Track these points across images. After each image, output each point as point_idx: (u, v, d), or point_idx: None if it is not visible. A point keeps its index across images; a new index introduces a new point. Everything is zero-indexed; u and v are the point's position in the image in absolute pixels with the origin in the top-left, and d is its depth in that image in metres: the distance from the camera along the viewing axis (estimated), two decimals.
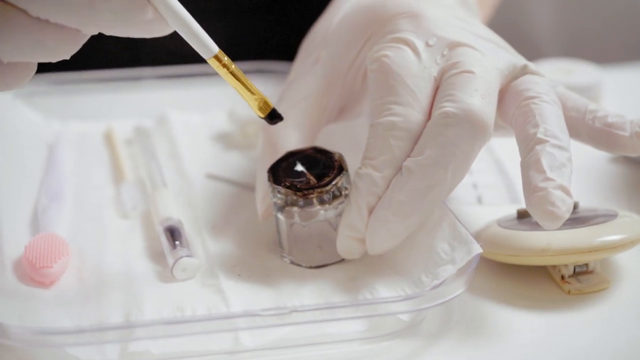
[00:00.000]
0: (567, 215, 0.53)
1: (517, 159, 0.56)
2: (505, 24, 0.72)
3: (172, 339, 0.52)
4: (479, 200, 0.68)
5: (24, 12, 0.49)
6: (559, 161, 0.54)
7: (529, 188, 0.53)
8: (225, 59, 0.55)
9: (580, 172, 0.67)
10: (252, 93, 0.56)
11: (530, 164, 0.54)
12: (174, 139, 0.74)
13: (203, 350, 0.52)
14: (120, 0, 0.49)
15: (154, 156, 0.72)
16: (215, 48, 0.54)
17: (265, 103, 0.56)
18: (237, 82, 0.56)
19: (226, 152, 0.74)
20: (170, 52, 0.88)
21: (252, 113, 0.76)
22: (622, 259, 0.60)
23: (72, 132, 0.76)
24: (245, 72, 0.80)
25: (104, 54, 0.83)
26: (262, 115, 0.57)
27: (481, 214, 0.64)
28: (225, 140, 0.75)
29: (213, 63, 0.55)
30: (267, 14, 0.94)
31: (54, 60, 0.51)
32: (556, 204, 0.52)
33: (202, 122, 0.77)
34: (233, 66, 0.55)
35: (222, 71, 0.55)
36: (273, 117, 0.57)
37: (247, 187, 0.68)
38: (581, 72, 0.81)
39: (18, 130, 0.73)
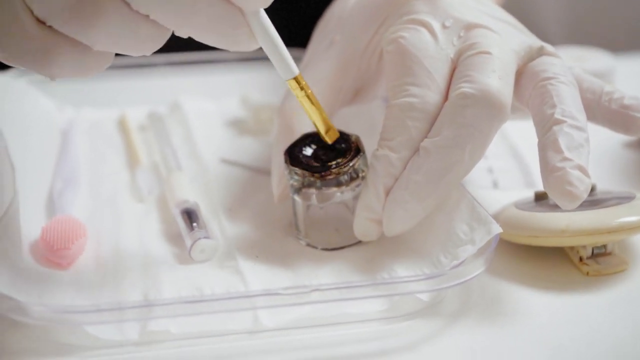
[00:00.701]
0: (585, 195, 0.52)
1: (532, 143, 0.56)
2: (514, 11, 0.71)
3: (192, 318, 0.52)
4: (495, 185, 0.68)
5: (127, 4, 0.49)
6: (577, 141, 0.54)
7: (547, 168, 0.53)
8: (304, 82, 0.56)
9: (596, 156, 0.66)
10: (322, 118, 0.57)
11: (547, 144, 0.54)
12: (188, 125, 0.74)
13: (222, 330, 0.52)
14: (221, 9, 0.50)
15: (168, 141, 0.72)
16: (296, 70, 0.55)
17: (333, 130, 0.58)
18: (311, 105, 0.57)
19: (239, 137, 0.74)
20: (180, 39, 0.88)
21: (265, 99, 0.77)
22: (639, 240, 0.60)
23: (85, 118, 0.76)
24: (257, 58, 0.81)
25: None
26: (329, 141, 0.58)
27: (497, 198, 0.64)
28: (238, 126, 0.75)
29: (292, 84, 0.56)
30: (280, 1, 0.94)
31: (135, 54, 0.51)
32: (574, 184, 0.52)
33: (215, 109, 0.77)
34: (309, 90, 0.56)
35: (299, 93, 0.56)
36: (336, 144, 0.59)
37: (262, 172, 0.68)
38: (593, 58, 0.81)
39: (32, 116, 0.73)
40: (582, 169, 0.53)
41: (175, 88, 0.79)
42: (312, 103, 0.57)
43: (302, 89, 0.56)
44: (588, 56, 0.81)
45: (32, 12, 0.49)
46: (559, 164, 0.53)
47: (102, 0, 0.49)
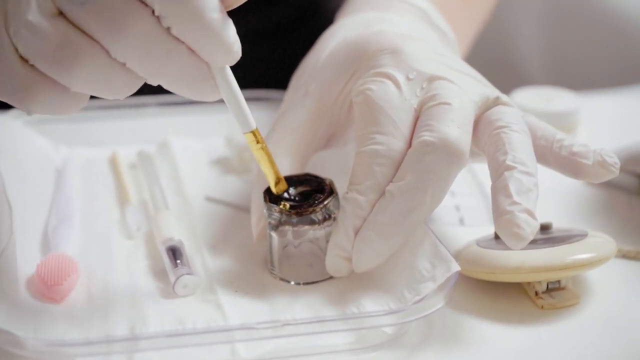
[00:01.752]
0: (531, 237, 0.57)
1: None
2: (492, 50, 0.76)
3: (174, 350, 0.56)
4: (461, 222, 0.72)
5: (106, 51, 0.53)
6: (526, 186, 0.58)
7: (497, 211, 0.58)
8: (259, 136, 0.61)
9: (553, 195, 0.71)
10: (273, 170, 0.62)
11: (499, 189, 0.58)
12: (175, 164, 0.78)
13: None
14: (191, 63, 0.55)
15: (157, 180, 0.76)
16: (253, 124, 0.60)
17: (282, 182, 0.63)
18: (264, 157, 0.61)
19: (224, 175, 0.78)
20: None
21: None
22: (592, 275, 0.64)
23: (78, 157, 0.80)
24: (252, 98, 0.85)
25: None
26: (275, 191, 0.63)
27: (463, 235, 0.69)
28: (223, 164, 0.80)
29: (249, 137, 0.61)
30: (262, 44, 0.99)
31: (110, 97, 0.56)
32: (521, 226, 0.57)
33: (202, 148, 0.82)
34: (264, 144, 0.61)
35: (254, 146, 0.61)
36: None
37: (244, 209, 0.72)
38: (560, 99, 0.86)
39: (28, 155, 0.77)
40: (529, 212, 0.57)
41: (164, 128, 0.83)
42: (266, 155, 0.62)
43: (257, 142, 0.61)
44: (555, 97, 0.86)
45: (16, 51, 0.54)
46: (508, 207, 0.57)
47: (82, 46, 0.53)
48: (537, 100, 0.85)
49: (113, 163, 0.80)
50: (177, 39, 0.54)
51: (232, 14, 1.04)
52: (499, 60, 0.66)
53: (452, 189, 0.74)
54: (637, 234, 0.69)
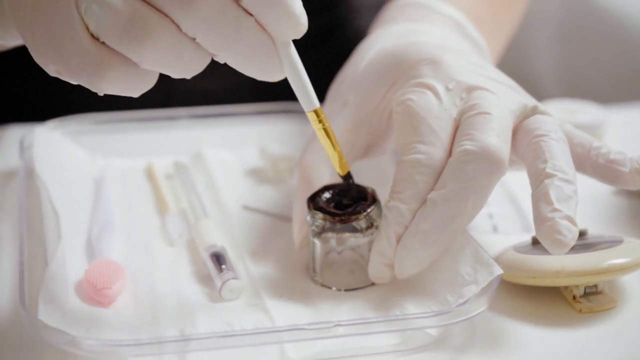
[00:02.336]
0: (572, 243, 0.58)
1: (529, 191, 0.62)
2: (509, 66, 0.78)
3: (225, 351, 0.57)
4: (495, 229, 0.74)
5: (176, 25, 0.54)
6: (566, 193, 0.60)
7: (539, 218, 0.59)
8: (322, 115, 0.61)
9: (588, 203, 0.73)
10: (337, 150, 0.63)
11: (539, 197, 0.60)
12: (211, 174, 0.80)
13: None
14: (258, 37, 0.55)
15: (194, 189, 0.78)
16: (317, 103, 0.61)
17: (345, 163, 0.64)
18: (326, 138, 0.62)
19: (259, 185, 0.80)
20: (196, 93, 0.94)
21: (283, 150, 0.83)
22: (628, 280, 0.66)
23: (115, 167, 0.82)
24: (274, 111, 0.87)
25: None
26: (341, 173, 0.64)
27: (497, 242, 0.70)
28: (257, 175, 0.81)
29: (311, 116, 0.61)
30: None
31: (177, 76, 0.56)
32: (563, 233, 0.58)
33: (235, 159, 0.83)
34: (327, 124, 0.62)
35: (317, 125, 0.62)
36: (347, 177, 0.64)
37: (281, 218, 0.74)
38: (585, 111, 0.87)
39: (67, 165, 0.79)
40: (570, 219, 0.59)
41: (198, 139, 0.85)
42: (329, 136, 0.63)
43: (320, 121, 0.62)
44: (579, 109, 0.88)
45: (87, 29, 0.54)
46: (550, 215, 0.59)
47: (153, 21, 0.54)
48: (561, 113, 0.87)
49: (149, 173, 0.81)
50: (247, 11, 0.55)
51: None
52: (515, 76, 0.68)
53: None
54: None
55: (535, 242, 0.67)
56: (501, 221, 0.74)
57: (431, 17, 0.76)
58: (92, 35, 0.54)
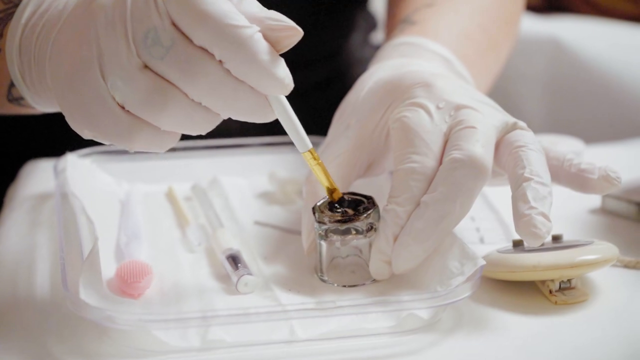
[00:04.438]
0: (546, 236, 0.67)
1: (511, 205, 0.70)
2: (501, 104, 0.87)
3: (242, 329, 0.65)
4: (482, 240, 0.82)
5: (185, 94, 0.64)
6: (541, 194, 0.68)
7: (517, 215, 0.68)
8: (316, 154, 0.70)
9: (562, 220, 0.81)
10: (329, 181, 0.72)
11: (518, 197, 0.68)
12: (226, 195, 0.88)
13: (267, 340, 0.66)
14: (256, 99, 0.65)
15: (211, 207, 0.86)
16: (309, 144, 0.70)
17: (336, 192, 0.72)
18: (321, 172, 0.71)
19: (269, 206, 0.88)
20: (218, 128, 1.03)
21: (290, 174, 0.92)
22: (598, 278, 0.74)
23: (138, 191, 0.90)
24: (282, 143, 0.96)
25: None
26: (332, 199, 0.72)
27: (483, 250, 0.78)
28: (268, 197, 0.90)
29: (306, 156, 0.70)
30: (293, 102, 1.10)
31: (194, 134, 0.66)
32: (538, 226, 0.67)
33: (248, 184, 0.92)
34: (320, 160, 0.71)
35: (312, 162, 0.71)
36: (341, 201, 0.73)
37: (290, 231, 0.82)
38: (565, 143, 0.96)
39: (96, 188, 0.87)
40: (544, 215, 0.67)
41: (213, 168, 0.93)
42: (322, 170, 0.71)
43: (314, 159, 0.71)
44: (560, 141, 0.96)
45: (114, 99, 0.64)
46: (526, 212, 0.67)
47: (167, 92, 0.64)
48: (543, 144, 0.95)
49: (170, 196, 0.90)
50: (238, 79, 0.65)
51: None
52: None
53: (472, 215, 0.85)
54: (635, 251, 0.79)
55: (515, 245, 0.75)
56: (487, 233, 0.82)
57: (422, 53, 0.85)
58: (119, 104, 0.64)
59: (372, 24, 1.25)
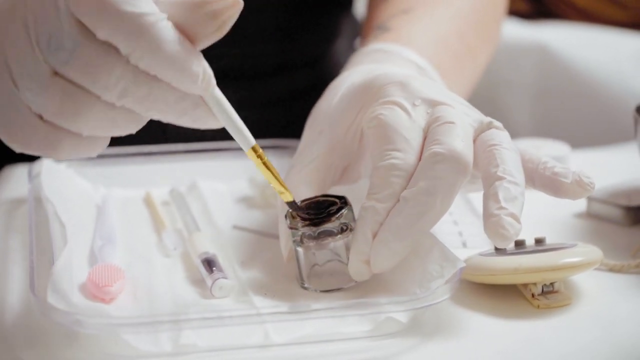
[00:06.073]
0: (515, 237, 0.65)
1: None
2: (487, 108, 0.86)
3: (215, 334, 0.63)
4: (464, 245, 0.80)
5: (98, 97, 0.60)
6: (513, 194, 0.66)
7: (486, 215, 0.66)
8: (260, 151, 0.67)
9: (546, 225, 0.80)
10: (278, 181, 0.69)
11: (489, 196, 0.67)
12: (204, 200, 0.87)
13: (241, 344, 0.64)
14: (175, 96, 0.60)
15: (188, 211, 0.84)
16: (253, 141, 0.67)
17: (287, 192, 0.69)
18: (267, 170, 0.68)
19: (248, 210, 0.87)
20: (191, 130, 1.02)
21: None
22: (582, 281, 0.72)
23: (115, 196, 0.89)
24: (262, 147, 0.94)
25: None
26: (284, 200, 0.70)
27: (466, 254, 0.76)
28: (247, 201, 0.88)
29: (250, 153, 0.67)
30: (277, 108, 1.09)
31: (124, 134, 0.63)
32: (506, 227, 0.65)
33: (227, 189, 0.90)
34: (265, 158, 0.68)
35: (256, 161, 0.67)
36: (292, 203, 0.70)
37: (268, 235, 0.80)
38: (550, 147, 0.95)
39: (72, 192, 0.86)
40: (514, 217, 0.65)
41: (192, 172, 0.92)
42: (269, 169, 0.68)
43: (259, 157, 0.67)
44: (544, 145, 0.95)
45: (30, 109, 0.61)
46: (496, 212, 0.65)
47: (79, 96, 0.60)
48: (528, 148, 0.94)
49: (147, 201, 0.88)
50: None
51: (252, 81, 1.13)
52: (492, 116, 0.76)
53: (454, 219, 0.83)
54: (620, 255, 0.77)
55: (497, 248, 0.73)
56: (470, 238, 0.81)
57: (394, 60, 0.84)
58: (36, 114, 0.61)
59: (356, 30, 1.24)
